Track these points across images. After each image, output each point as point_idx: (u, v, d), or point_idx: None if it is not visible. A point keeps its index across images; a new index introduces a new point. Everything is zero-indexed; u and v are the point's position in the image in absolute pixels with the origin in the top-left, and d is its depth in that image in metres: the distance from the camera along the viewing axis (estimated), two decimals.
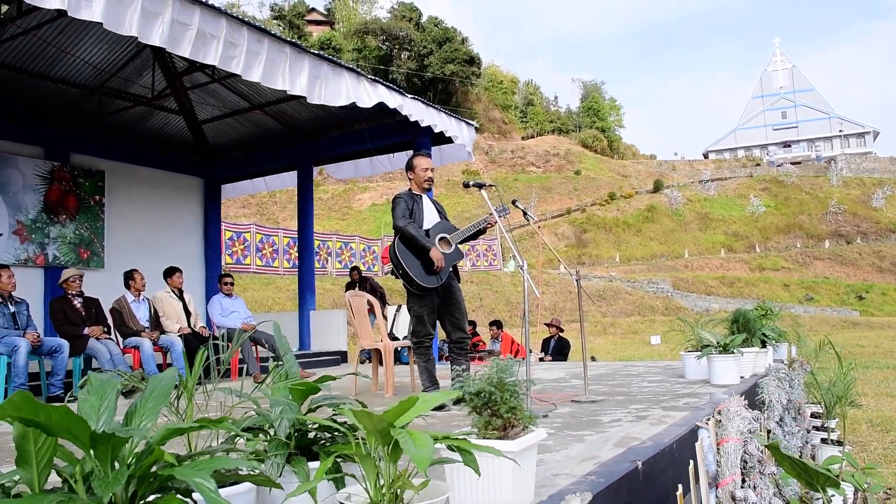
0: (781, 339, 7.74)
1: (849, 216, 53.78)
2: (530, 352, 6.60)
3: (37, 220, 10.44)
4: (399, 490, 1.62)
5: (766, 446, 2.55)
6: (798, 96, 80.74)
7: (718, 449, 2.47)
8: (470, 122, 10.72)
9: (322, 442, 1.80)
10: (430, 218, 5.32)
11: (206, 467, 1.04)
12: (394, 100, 8.91)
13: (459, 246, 5.35)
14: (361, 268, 29.38)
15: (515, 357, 12.00)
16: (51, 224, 10.62)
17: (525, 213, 5.40)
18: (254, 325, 8.83)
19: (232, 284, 8.98)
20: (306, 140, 11.97)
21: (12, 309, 6.79)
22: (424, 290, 5.04)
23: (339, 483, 1.64)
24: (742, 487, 2.42)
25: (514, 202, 5.39)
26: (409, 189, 5.51)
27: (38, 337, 6.70)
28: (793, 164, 67.62)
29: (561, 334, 12.07)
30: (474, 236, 5.53)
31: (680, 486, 2.40)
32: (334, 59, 8.27)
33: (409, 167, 5.54)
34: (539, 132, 72.63)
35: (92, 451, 1.02)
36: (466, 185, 5.22)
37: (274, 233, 26.32)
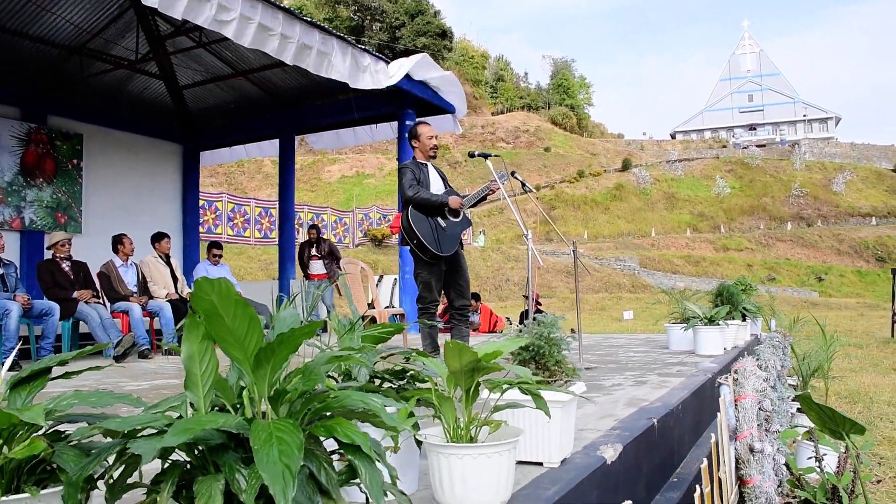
0: (758, 313, 8.00)
1: (810, 199, 54.87)
2: (527, 316, 6.75)
3: (13, 183, 10.26)
4: (476, 430, 1.72)
5: (796, 397, 2.70)
6: (765, 80, 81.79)
7: (736, 405, 2.61)
8: (459, 93, 10.76)
9: (390, 388, 1.89)
10: (436, 186, 5.38)
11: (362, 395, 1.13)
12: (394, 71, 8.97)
13: (467, 213, 5.43)
14: (333, 239, 29.40)
15: (494, 328, 12.17)
16: (27, 187, 10.45)
17: (523, 185, 5.52)
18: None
19: (220, 257, 8.98)
20: (289, 108, 11.90)
21: (1, 271, 6.74)
22: (436, 258, 5.12)
23: (416, 427, 1.73)
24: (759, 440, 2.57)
25: (513, 174, 5.50)
26: (414, 157, 5.54)
27: (29, 300, 6.65)
28: (758, 146, 68.62)
29: (539, 307, 12.25)
30: (476, 204, 5.62)
31: (713, 434, 2.54)
32: (328, 28, 8.24)
33: (414, 135, 5.55)
34: (509, 108, 72.62)
35: (252, 373, 1.10)
36: (471, 155, 5.31)
37: (245, 202, 26.12)
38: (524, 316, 12.29)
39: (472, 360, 1.59)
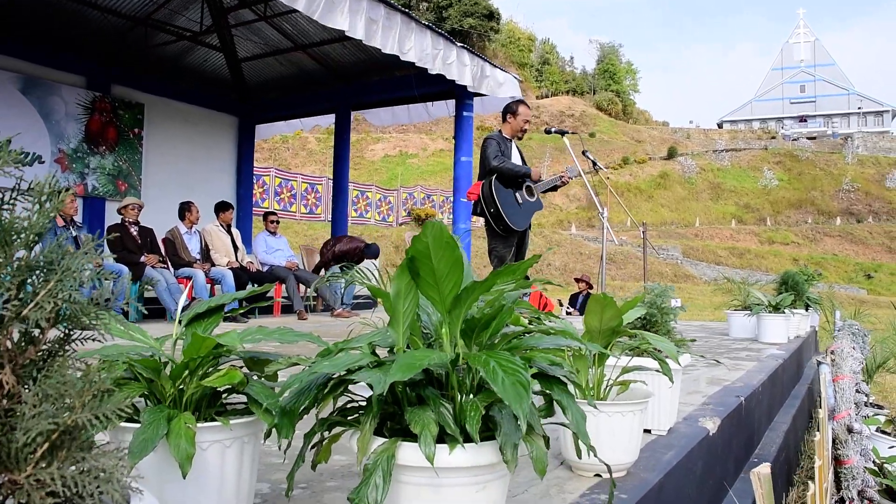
0: (820, 304, 7.89)
1: (861, 194, 53.63)
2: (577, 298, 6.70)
3: (78, 150, 10.49)
4: (605, 390, 1.74)
5: None
6: (818, 70, 79.86)
7: (834, 385, 2.59)
8: (516, 75, 10.72)
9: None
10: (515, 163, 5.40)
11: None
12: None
13: (540, 197, 5.43)
14: (376, 217, 29.54)
15: (543, 311, 12.17)
16: (91, 154, 10.67)
17: (594, 164, 5.50)
18: (296, 264, 8.98)
19: (277, 223, 9.09)
20: (346, 83, 11.95)
21: (74, 233, 6.91)
22: (509, 231, 5.14)
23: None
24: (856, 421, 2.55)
25: (584, 153, 5.48)
26: (500, 132, 5.55)
27: (101, 262, 6.81)
28: (808, 138, 67.16)
29: (591, 290, 12.20)
30: (545, 191, 5.62)
31: (821, 410, 2.53)
32: (393, 3, 8.25)
33: (511, 111, 5.57)
34: (553, 92, 72.07)
35: (448, 313, 1.13)
36: (548, 132, 5.30)
37: (293, 177, 26.33)
38: (573, 299, 12.26)
39: (614, 319, 1.60)
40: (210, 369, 1.22)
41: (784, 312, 6.15)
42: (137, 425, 1.09)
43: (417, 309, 1.16)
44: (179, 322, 1.32)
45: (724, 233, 46.64)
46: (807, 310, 7.09)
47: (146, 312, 7.42)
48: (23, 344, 0.75)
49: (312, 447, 1.20)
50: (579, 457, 1.26)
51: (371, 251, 9.51)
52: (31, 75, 9.83)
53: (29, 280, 0.78)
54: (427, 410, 1.06)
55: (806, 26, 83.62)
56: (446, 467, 1.05)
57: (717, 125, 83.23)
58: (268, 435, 1.18)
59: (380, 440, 1.09)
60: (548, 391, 1.13)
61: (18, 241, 0.76)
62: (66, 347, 0.78)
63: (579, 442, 1.12)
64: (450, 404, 1.09)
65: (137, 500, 0.74)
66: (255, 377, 1.28)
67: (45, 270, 0.77)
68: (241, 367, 1.28)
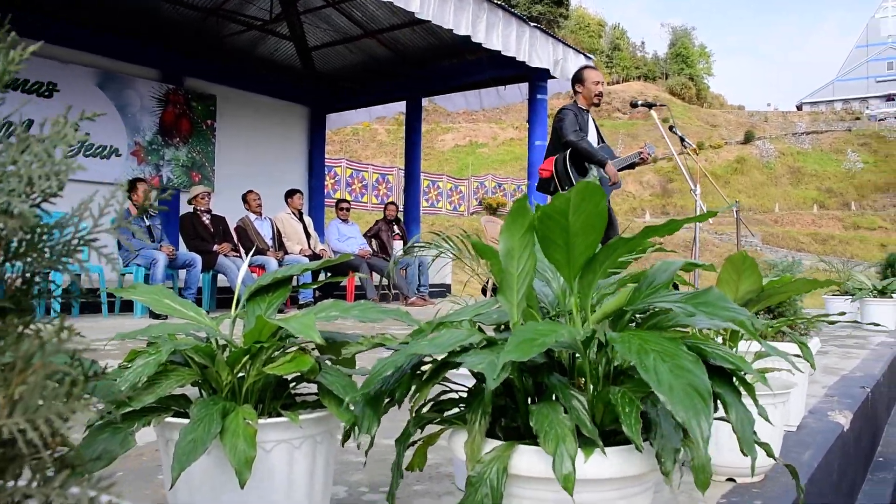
0: None
1: None
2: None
3: (153, 142, 10.60)
4: None
5: None
6: None
7: None
8: (588, 55, 10.35)
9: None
10: (591, 137, 5.09)
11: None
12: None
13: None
14: (447, 207, 29.37)
15: None
16: (165, 146, 10.77)
17: (682, 140, 5.16)
18: (369, 252, 8.85)
19: (349, 210, 8.98)
20: (416, 69, 11.77)
21: (147, 223, 6.91)
22: None
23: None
24: None
25: (671, 128, 5.14)
26: (575, 102, 5.23)
27: (174, 251, 6.80)
28: None
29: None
30: (622, 169, 5.28)
31: None
32: None
33: (579, 79, 5.24)
34: (625, 78, 70.62)
35: (577, 280, 0.89)
36: (634, 105, 4.98)
37: (364, 168, 26.43)
38: None
39: (753, 290, 1.33)
40: (276, 353, 1.01)
41: (892, 297, 5.69)
42: (186, 421, 0.88)
43: (534, 273, 0.91)
44: (238, 300, 1.10)
45: (805, 218, 44.87)
46: None
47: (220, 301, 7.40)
48: None
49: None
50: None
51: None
52: (107, 69, 9.95)
53: None
54: (556, 409, 0.81)
55: (894, 0, 79.59)
56: (582, 479, 0.79)
57: (797, 107, 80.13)
58: (346, 437, 0.96)
59: (491, 443, 0.86)
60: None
61: None
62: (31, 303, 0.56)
63: (741, 447, 0.86)
64: (581, 396, 0.84)
65: None
66: (328, 362, 1.06)
67: None
68: (313, 350, 1.06)
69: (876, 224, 44.59)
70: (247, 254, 7.64)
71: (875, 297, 5.75)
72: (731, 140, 56.11)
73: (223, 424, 0.87)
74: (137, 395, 0.90)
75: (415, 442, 0.98)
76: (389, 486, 0.96)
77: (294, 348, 1.03)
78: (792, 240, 39.17)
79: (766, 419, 0.97)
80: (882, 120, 63.37)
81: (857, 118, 65.78)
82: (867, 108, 71.97)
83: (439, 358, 0.87)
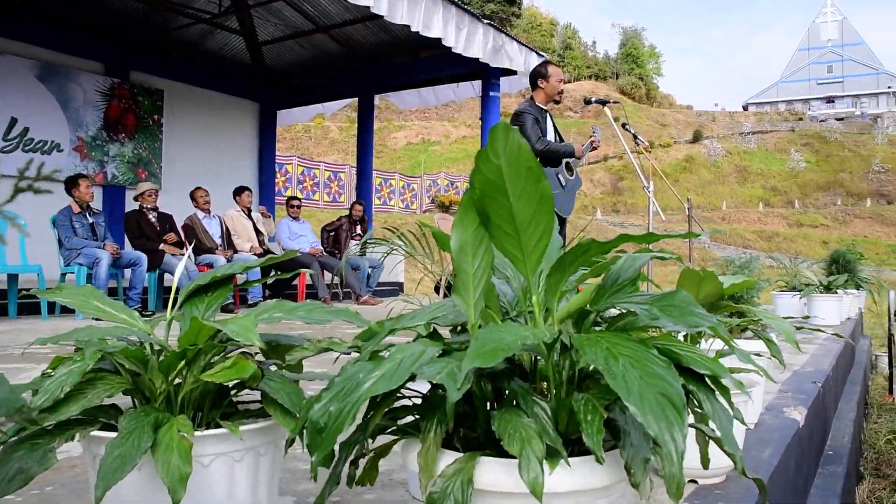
0: (870, 285, 7.49)
1: (892, 175, 52.46)
2: None
3: (97, 138, 10.28)
4: None
5: None
6: (846, 50, 78.19)
7: None
8: (541, 53, 10.37)
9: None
10: (551, 137, 5.01)
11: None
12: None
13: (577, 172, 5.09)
14: (400, 205, 29.26)
15: None
16: (110, 142, 10.46)
17: (635, 138, 5.17)
18: (320, 250, 8.73)
19: (299, 208, 8.84)
20: (369, 66, 11.65)
21: (91, 220, 6.69)
22: (560, 221, 4.80)
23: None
24: None
25: (624, 126, 5.14)
26: (532, 99, 5.08)
27: (118, 249, 6.60)
28: (837, 119, 65.82)
29: None
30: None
31: None
32: None
33: (542, 75, 5.03)
34: (576, 77, 71.29)
35: (534, 278, 0.83)
36: (588, 102, 4.98)
37: (315, 166, 26.16)
38: None
39: (714, 294, 1.29)
40: (215, 358, 0.93)
41: (837, 293, 5.79)
42: (114, 434, 0.80)
43: (491, 270, 0.85)
44: (174, 300, 1.02)
45: (751, 216, 45.92)
46: (858, 290, 6.71)
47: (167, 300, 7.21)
48: None
49: (352, 462, 0.89)
50: (706, 467, 0.96)
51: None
52: (49, 62, 9.62)
53: None
54: (520, 415, 0.75)
55: (833, 5, 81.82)
56: (549, 492, 0.73)
57: (743, 108, 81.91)
58: (290, 444, 0.88)
59: (449, 455, 0.79)
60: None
61: None
62: None
63: (724, 448, 0.81)
64: (544, 402, 0.78)
65: None
66: (273, 367, 0.99)
67: None
68: (256, 355, 0.99)
69: (818, 222, 45.86)
70: (195, 253, 7.47)
71: (821, 293, 5.85)
72: (679, 139, 57.10)
73: (155, 438, 0.79)
74: (57, 408, 0.81)
75: (365, 454, 0.91)
76: (321, 489, 0.87)
77: (236, 352, 0.95)
78: (739, 237, 40.01)
79: (742, 421, 0.92)
80: (823, 121, 65.21)
81: (800, 119, 67.58)
82: (809, 109, 73.94)
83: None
